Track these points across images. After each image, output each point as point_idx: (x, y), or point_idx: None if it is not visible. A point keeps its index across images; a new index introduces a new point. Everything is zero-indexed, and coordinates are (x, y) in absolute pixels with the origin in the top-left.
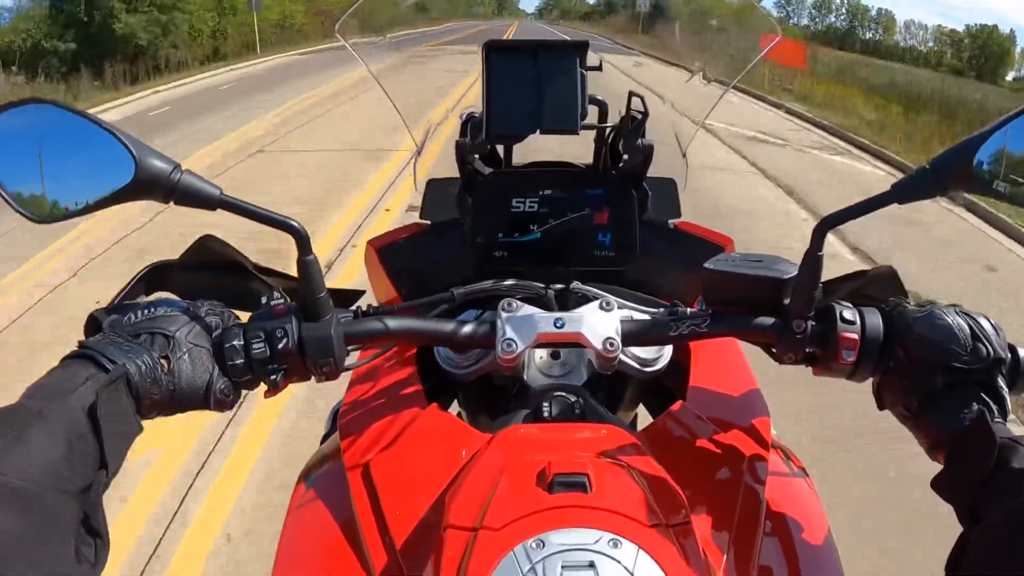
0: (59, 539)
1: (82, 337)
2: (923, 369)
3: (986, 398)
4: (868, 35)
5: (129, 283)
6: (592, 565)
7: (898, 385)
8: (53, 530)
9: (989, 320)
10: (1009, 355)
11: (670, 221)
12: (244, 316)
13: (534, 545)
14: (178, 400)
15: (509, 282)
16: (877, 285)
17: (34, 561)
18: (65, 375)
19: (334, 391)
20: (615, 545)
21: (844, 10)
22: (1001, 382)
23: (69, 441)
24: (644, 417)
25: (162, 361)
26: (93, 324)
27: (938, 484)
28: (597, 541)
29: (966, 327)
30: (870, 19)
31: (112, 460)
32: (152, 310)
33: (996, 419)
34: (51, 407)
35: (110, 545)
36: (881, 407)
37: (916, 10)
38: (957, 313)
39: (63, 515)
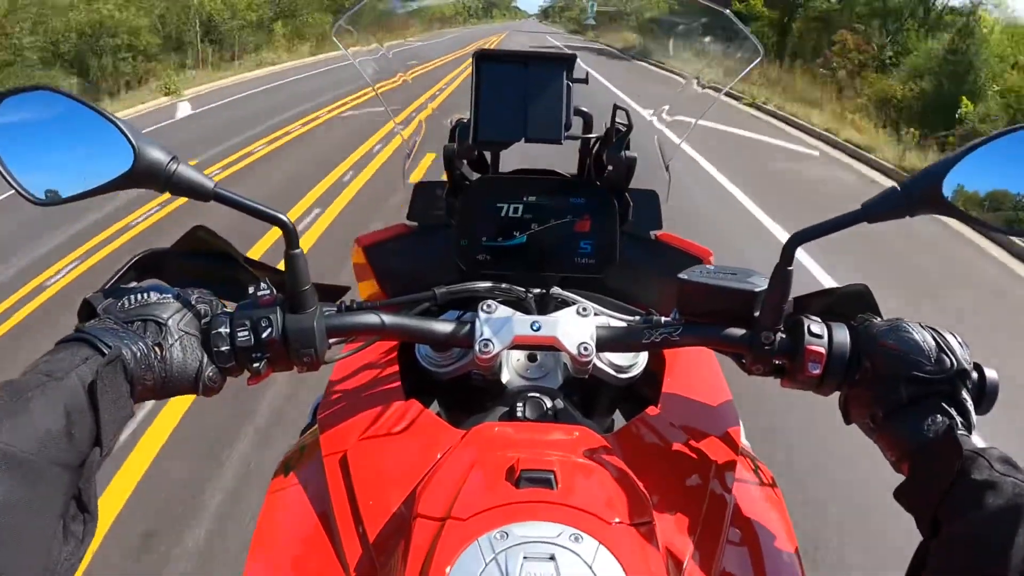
0: (50, 513)
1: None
2: (888, 381)
3: (950, 410)
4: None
5: (121, 269)
6: (552, 558)
7: (864, 398)
8: (46, 503)
9: (955, 336)
10: (975, 373)
11: (651, 232)
12: (231, 306)
13: (498, 536)
14: (169, 386)
15: (490, 284)
16: (848, 302)
17: (22, 534)
18: (63, 356)
19: None
20: (576, 539)
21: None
22: (966, 395)
23: (69, 415)
24: (622, 424)
25: (155, 348)
26: (87, 308)
27: (900, 494)
28: (559, 535)
29: (931, 340)
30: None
31: (107, 440)
32: (145, 296)
33: (960, 431)
34: (52, 381)
35: (97, 523)
36: (848, 421)
37: None
38: (923, 328)
39: (58, 488)
